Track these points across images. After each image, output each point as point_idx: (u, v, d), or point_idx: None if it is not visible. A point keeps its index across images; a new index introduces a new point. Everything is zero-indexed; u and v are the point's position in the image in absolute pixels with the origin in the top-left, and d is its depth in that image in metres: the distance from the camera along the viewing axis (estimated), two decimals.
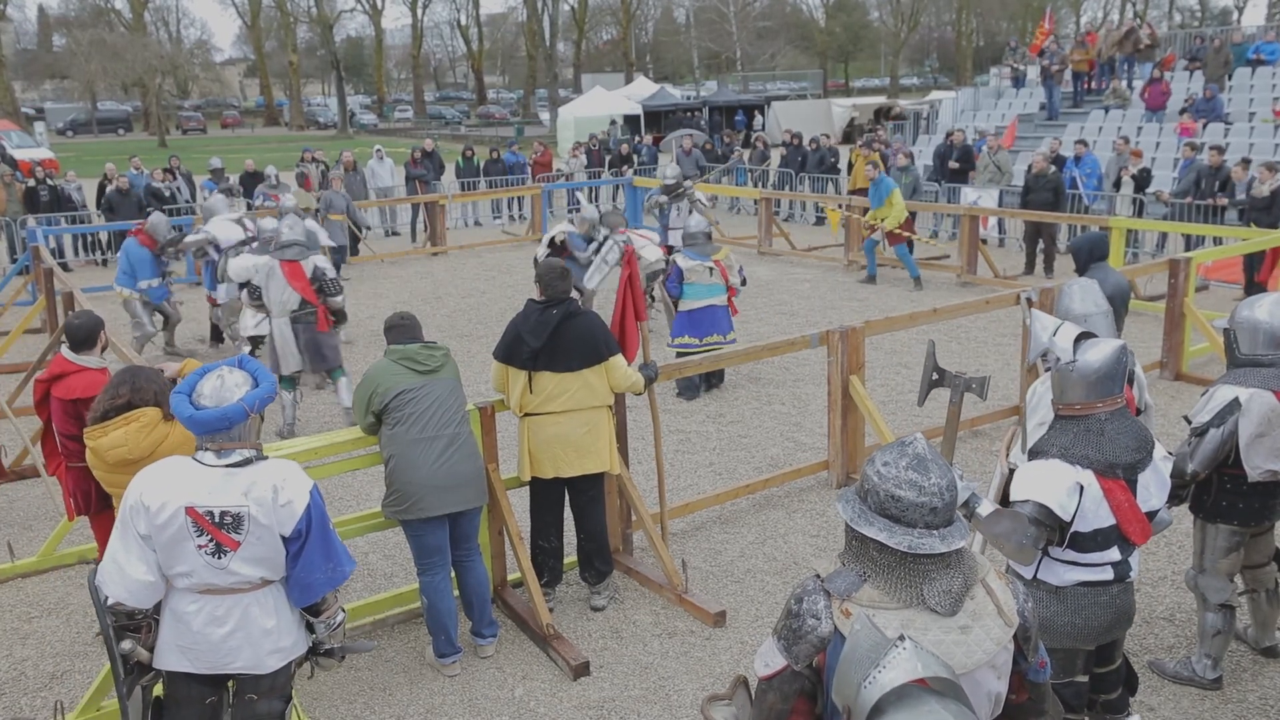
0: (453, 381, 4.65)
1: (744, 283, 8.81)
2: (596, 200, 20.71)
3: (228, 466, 3.21)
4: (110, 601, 3.21)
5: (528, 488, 5.13)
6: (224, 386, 3.26)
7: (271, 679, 3.35)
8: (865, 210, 13.22)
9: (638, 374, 5.18)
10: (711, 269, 8.36)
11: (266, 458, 3.34)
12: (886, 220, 12.57)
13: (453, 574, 4.75)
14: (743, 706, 2.61)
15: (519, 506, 5.45)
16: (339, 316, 8.13)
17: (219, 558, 3.18)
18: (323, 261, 8.10)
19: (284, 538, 3.23)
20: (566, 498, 5.15)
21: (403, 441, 4.47)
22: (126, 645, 3.24)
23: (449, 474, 4.49)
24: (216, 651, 3.24)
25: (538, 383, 4.88)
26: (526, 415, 4.95)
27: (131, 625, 3.28)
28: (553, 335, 4.82)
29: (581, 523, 5.16)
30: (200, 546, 3.17)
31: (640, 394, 5.34)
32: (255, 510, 3.17)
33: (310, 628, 3.43)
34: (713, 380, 8.72)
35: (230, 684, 3.44)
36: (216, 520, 3.16)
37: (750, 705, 2.51)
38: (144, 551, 3.18)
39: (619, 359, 5.03)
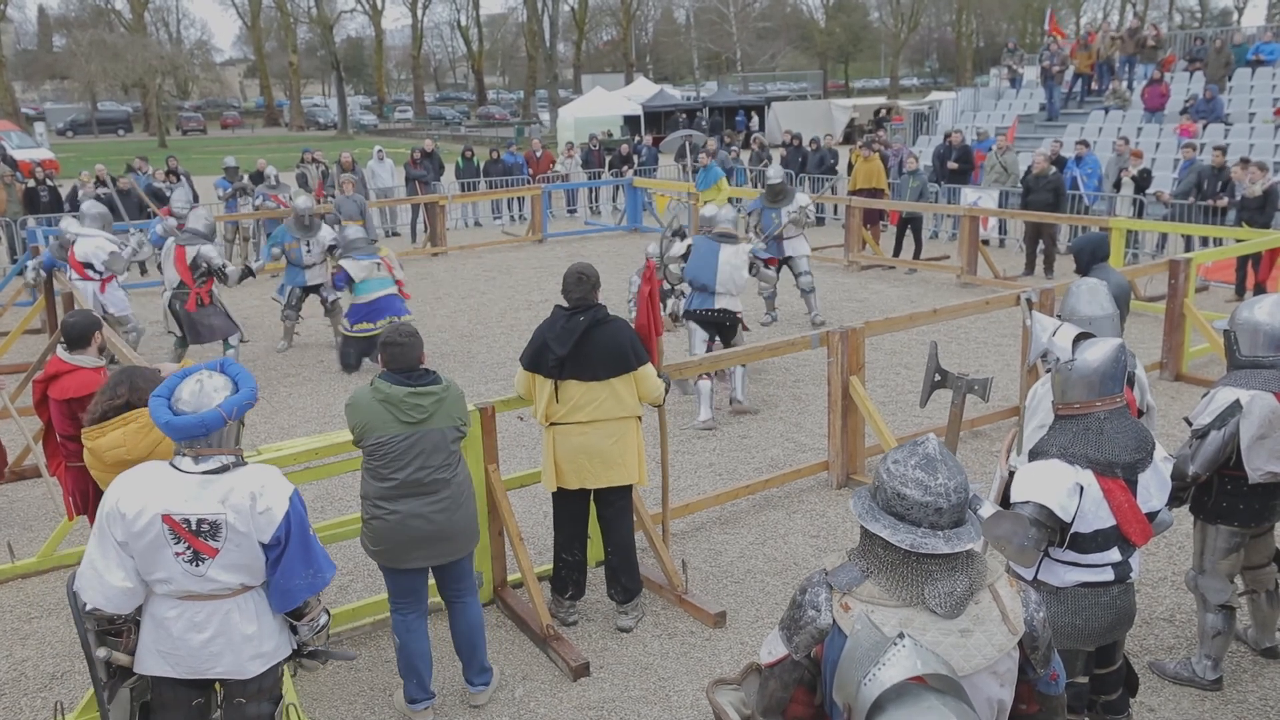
0: (443, 431, 4.11)
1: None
2: (597, 201, 20.70)
3: (205, 473, 3.15)
4: (89, 607, 3.19)
5: (526, 488, 5.10)
6: (203, 391, 3.19)
7: (258, 682, 3.30)
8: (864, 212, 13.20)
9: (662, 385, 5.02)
10: (379, 264, 9.47)
11: (245, 464, 3.27)
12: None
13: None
14: (751, 692, 2.66)
15: (519, 507, 5.45)
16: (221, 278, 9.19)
17: (197, 565, 3.13)
18: (209, 250, 9.13)
19: (263, 545, 3.17)
20: (592, 510, 4.99)
21: (375, 490, 4.09)
22: (102, 652, 3.21)
23: (426, 529, 4.08)
24: (196, 657, 3.20)
25: (564, 391, 4.68)
26: (552, 425, 4.76)
27: (112, 630, 3.26)
28: (579, 343, 4.61)
29: (609, 535, 4.95)
30: (178, 554, 3.12)
31: (659, 405, 5.13)
32: (233, 518, 3.11)
33: (294, 629, 3.39)
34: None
35: (217, 685, 3.40)
36: (193, 528, 3.10)
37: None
38: (121, 558, 3.13)
39: (649, 368, 4.83)
